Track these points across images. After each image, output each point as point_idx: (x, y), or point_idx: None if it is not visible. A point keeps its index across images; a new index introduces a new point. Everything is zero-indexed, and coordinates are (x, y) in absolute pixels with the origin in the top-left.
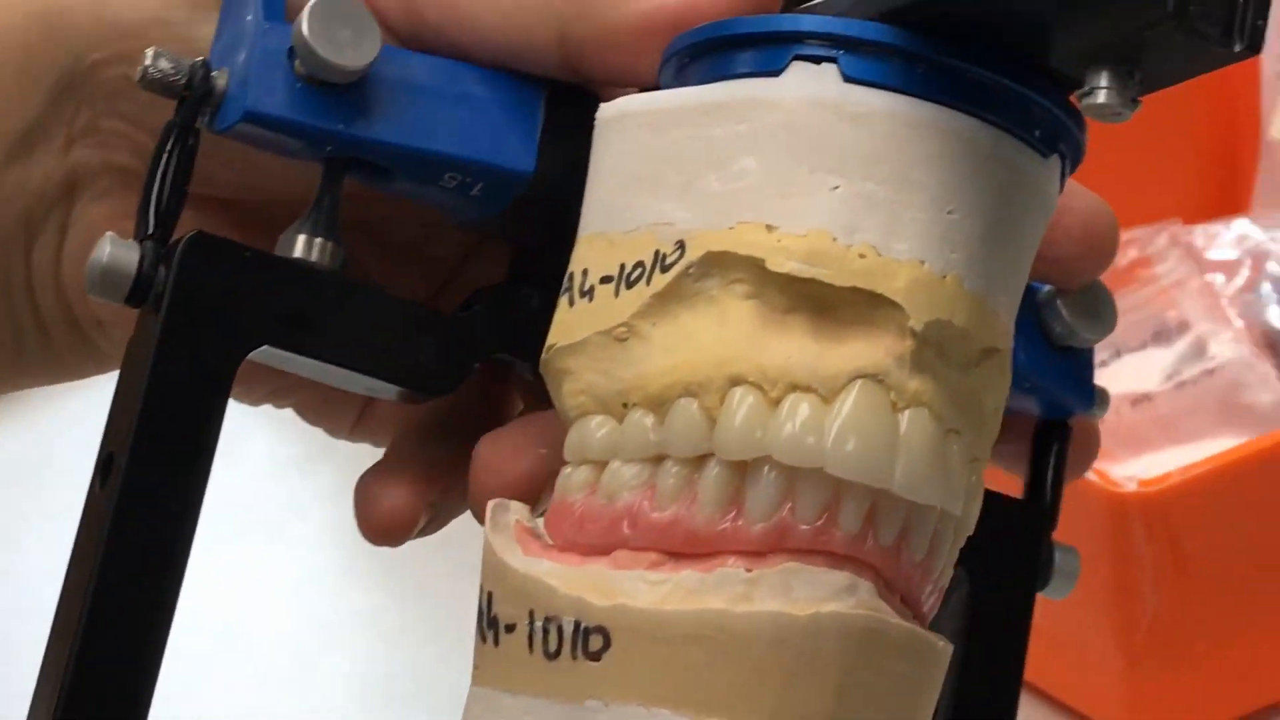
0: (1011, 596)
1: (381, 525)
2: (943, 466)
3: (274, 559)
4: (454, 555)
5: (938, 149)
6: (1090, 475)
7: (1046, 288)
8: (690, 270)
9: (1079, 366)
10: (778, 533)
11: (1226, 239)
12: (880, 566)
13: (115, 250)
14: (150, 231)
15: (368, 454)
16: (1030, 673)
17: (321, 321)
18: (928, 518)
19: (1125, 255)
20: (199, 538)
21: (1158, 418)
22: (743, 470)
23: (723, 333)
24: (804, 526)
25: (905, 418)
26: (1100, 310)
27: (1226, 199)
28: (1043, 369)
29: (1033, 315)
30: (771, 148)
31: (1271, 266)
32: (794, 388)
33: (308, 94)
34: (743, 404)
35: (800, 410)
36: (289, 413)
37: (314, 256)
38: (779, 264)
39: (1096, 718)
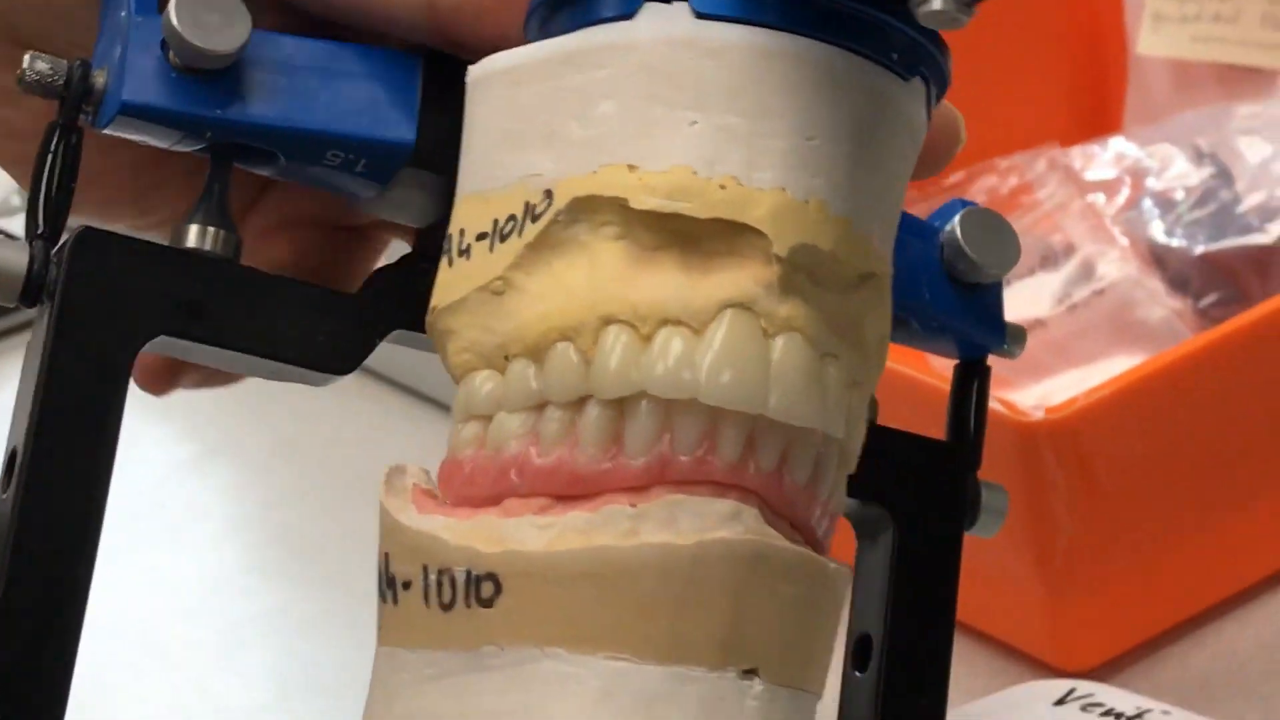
0: (940, 537)
1: (141, 375)
2: (819, 389)
3: (178, 562)
4: (361, 545)
5: (794, 77)
6: (997, 406)
7: (948, 226)
8: (559, 217)
9: (987, 304)
10: (659, 466)
11: (1104, 159)
12: (763, 492)
13: (4, 252)
14: (39, 231)
15: (265, 449)
16: (962, 611)
17: (219, 309)
18: (808, 441)
19: (1006, 182)
20: (108, 548)
21: (1052, 341)
22: (621, 409)
23: (593, 275)
24: (684, 458)
25: (778, 343)
26: (1003, 243)
27: (1099, 118)
28: (950, 308)
29: (935, 254)
30: (629, 90)
31: (1151, 182)
32: (665, 322)
33: (182, 83)
34: (616, 343)
35: (673, 344)
36: (182, 413)
37: (208, 245)
38: (642, 201)
39: (1021, 647)
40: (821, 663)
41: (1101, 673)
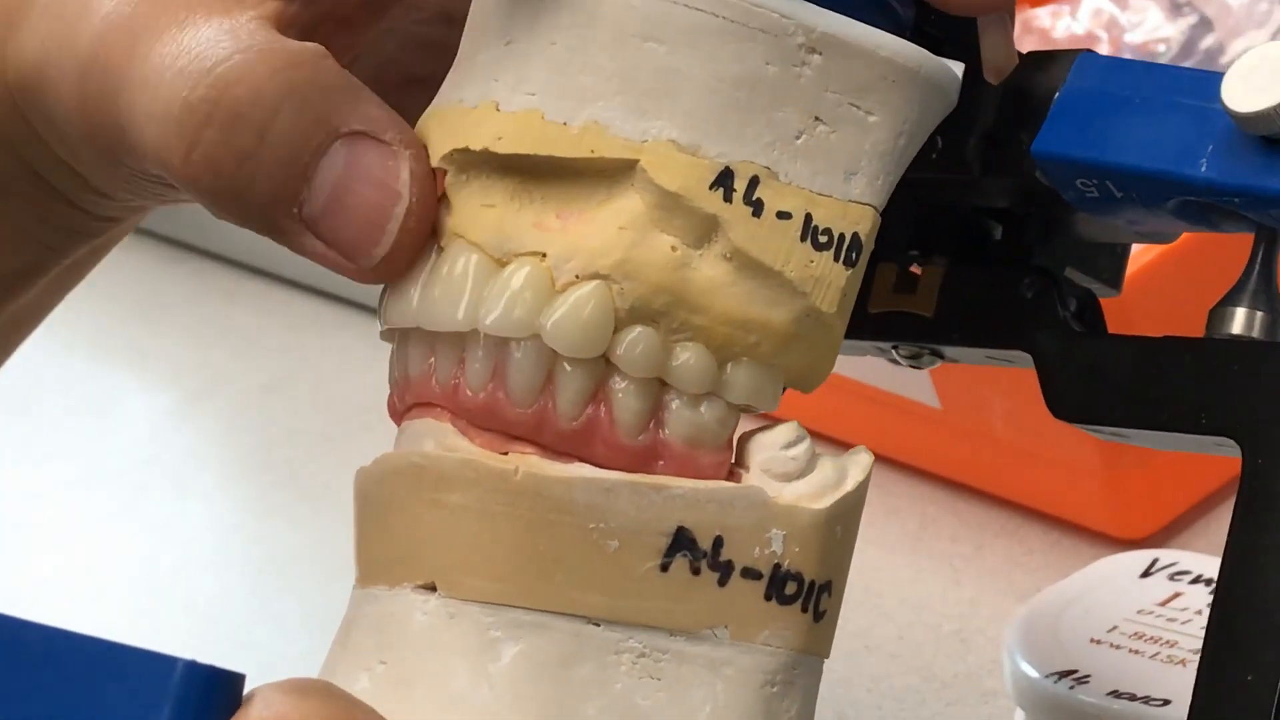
0: None
1: None
2: (467, 290)
3: (188, 511)
4: None
5: None
6: None
7: (1215, 105)
8: None
9: None
10: (395, 396)
11: (1078, 16)
12: (446, 404)
13: None
14: None
15: (253, 390)
16: (1016, 493)
17: None
18: (481, 345)
19: None
20: (112, 503)
21: None
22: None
23: None
24: (399, 385)
25: (449, 252)
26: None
27: None
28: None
29: (1221, 128)
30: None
31: (1129, 37)
32: None
33: None
34: None
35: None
36: (159, 359)
37: None
38: None
39: (1076, 520)
40: (537, 575)
41: (1159, 538)
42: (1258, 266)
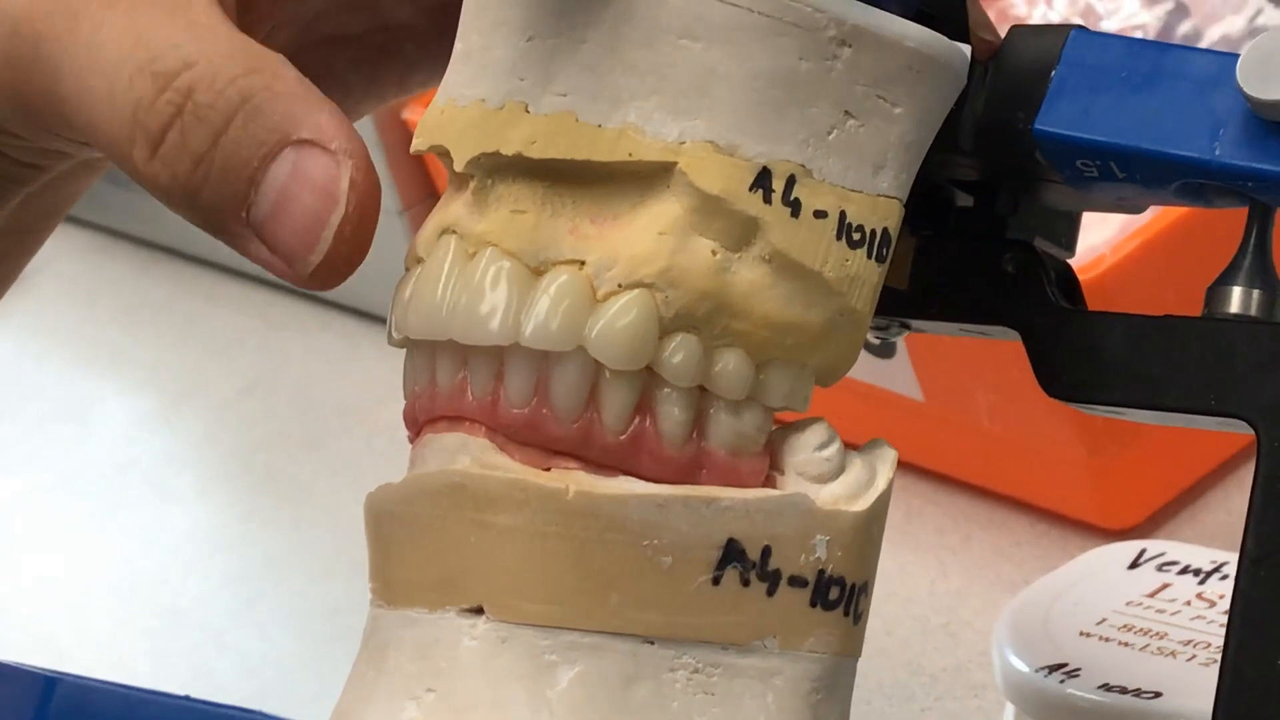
0: None
1: None
2: (506, 301)
3: (169, 516)
4: (355, 480)
5: None
6: None
7: (1225, 87)
8: None
9: None
10: (411, 408)
11: (1054, 4)
12: (484, 419)
13: None
14: None
15: (231, 393)
16: (1002, 484)
17: None
18: (524, 358)
19: None
20: (91, 509)
21: None
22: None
23: None
24: (422, 396)
25: (475, 262)
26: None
27: None
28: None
29: (1234, 111)
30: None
31: (1105, 25)
32: (417, 261)
33: None
34: (399, 291)
35: (408, 283)
36: (135, 364)
37: None
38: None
39: (1063, 511)
40: (592, 595)
41: (1146, 528)
42: (1253, 243)
